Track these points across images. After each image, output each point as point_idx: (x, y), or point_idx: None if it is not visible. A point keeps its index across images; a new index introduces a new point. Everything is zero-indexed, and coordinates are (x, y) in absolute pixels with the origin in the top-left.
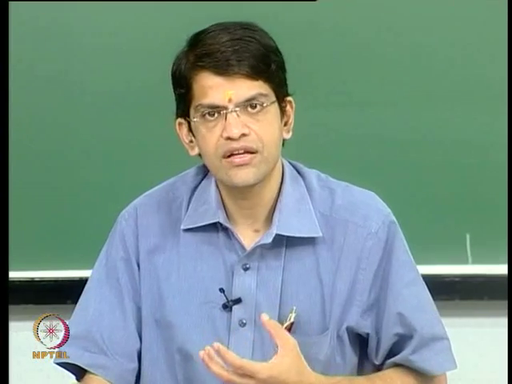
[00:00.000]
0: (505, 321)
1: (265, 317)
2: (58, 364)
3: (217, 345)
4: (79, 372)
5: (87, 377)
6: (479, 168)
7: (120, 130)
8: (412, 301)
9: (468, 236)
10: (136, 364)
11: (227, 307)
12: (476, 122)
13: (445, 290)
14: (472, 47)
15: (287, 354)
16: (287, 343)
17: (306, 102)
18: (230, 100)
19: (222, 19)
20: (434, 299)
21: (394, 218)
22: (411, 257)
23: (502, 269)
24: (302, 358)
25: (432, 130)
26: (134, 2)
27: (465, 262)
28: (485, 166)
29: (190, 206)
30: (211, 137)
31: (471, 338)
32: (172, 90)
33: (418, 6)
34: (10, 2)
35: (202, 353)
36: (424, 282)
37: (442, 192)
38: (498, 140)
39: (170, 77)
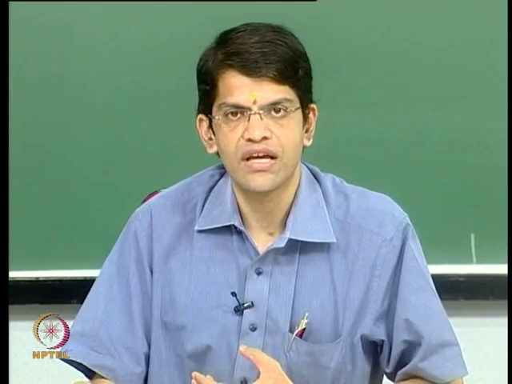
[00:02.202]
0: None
1: (242, 347)
2: (64, 361)
3: (194, 373)
4: (87, 371)
5: (97, 379)
6: (484, 168)
7: (124, 130)
8: (419, 308)
9: (473, 236)
10: (143, 368)
11: (239, 311)
12: (482, 122)
13: (449, 290)
14: (473, 47)
15: (269, 376)
16: (268, 366)
17: None
18: (254, 102)
19: (223, 19)
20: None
21: (408, 222)
22: (424, 262)
23: (506, 269)
24: (286, 378)
25: (437, 129)
26: (135, 2)
27: (469, 261)
28: (489, 166)
29: (205, 207)
30: (232, 137)
31: (476, 337)
32: (168, 90)
33: (420, 6)
34: (10, 2)
35: (193, 378)
36: (434, 288)
37: (447, 192)
38: (503, 140)
39: (196, 72)
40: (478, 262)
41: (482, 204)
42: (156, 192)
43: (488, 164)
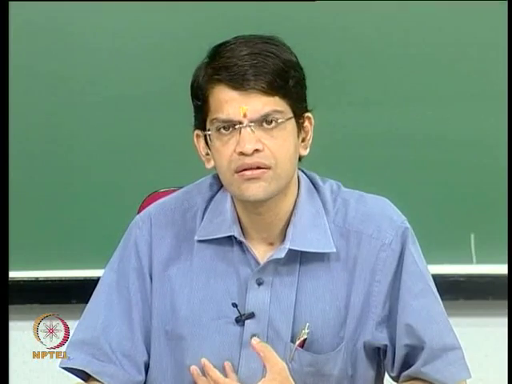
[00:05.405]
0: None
1: (254, 340)
2: (65, 369)
3: (203, 360)
4: (84, 376)
5: (93, 382)
6: (484, 168)
7: (124, 130)
8: (420, 312)
9: (472, 236)
10: (143, 377)
11: (240, 321)
12: (482, 122)
13: (449, 290)
14: (473, 47)
15: (275, 378)
16: (275, 366)
17: (309, 102)
18: (244, 115)
19: (224, 19)
20: None
21: (407, 225)
22: (424, 265)
23: (506, 269)
24: (292, 382)
25: (436, 129)
26: (135, 2)
27: (469, 261)
28: (490, 166)
29: (205, 216)
30: (225, 151)
31: (476, 337)
32: (169, 90)
33: (420, 6)
34: (10, 2)
35: (192, 367)
36: (436, 291)
37: (447, 192)
38: (503, 140)
39: (189, 87)
40: (478, 262)
41: (482, 204)
42: (156, 192)
43: (488, 164)
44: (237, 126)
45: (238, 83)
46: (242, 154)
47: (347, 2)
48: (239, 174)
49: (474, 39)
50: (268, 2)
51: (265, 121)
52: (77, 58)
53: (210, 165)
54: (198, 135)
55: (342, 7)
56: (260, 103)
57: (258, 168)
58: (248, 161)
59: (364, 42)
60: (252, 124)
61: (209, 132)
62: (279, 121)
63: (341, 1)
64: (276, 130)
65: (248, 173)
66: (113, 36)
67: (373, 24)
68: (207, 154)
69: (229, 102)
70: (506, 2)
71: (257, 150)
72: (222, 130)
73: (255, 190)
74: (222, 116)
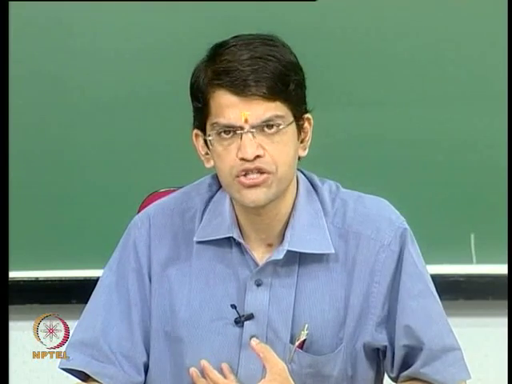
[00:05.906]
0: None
1: (254, 341)
2: (64, 369)
3: (203, 361)
4: (84, 377)
5: (92, 383)
6: (484, 168)
7: (124, 130)
8: (420, 313)
9: (472, 236)
10: (142, 377)
11: (239, 323)
12: (482, 122)
13: (449, 290)
14: (473, 47)
15: (275, 378)
16: (275, 367)
17: (309, 102)
18: (246, 120)
19: (224, 19)
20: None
21: (406, 226)
22: (423, 266)
23: (506, 269)
24: (292, 383)
25: (436, 129)
26: (135, 2)
27: (469, 261)
28: (490, 166)
29: (204, 217)
30: (226, 155)
31: (476, 337)
32: (168, 90)
33: (419, 6)
34: (10, 2)
35: (192, 369)
36: (435, 292)
37: (447, 192)
38: (503, 140)
39: (189, 88)
40: (478, 262)
41: (482, 204)
42: (156, 192)
43: (488, 164)
44: (238, 132)
45: (239, 89)
46: (243, 159)
47: (347, 2)
48: (239, 179)
49: (474, 40)
50: (268, 2)
51: (266, 126)
52: (77, 57)
53: (209, 164)
54: (196, 134)
55: (342, 7)
56: (261, 109)
57: (260, 172)
58: (249, 165)
59: (364, 42)
60: (253, 130)
61: (210, 137)
62: (281, 126)
63: (341, 1)
64: (277, 135)
65: (249, 181)
66: (113, 36)
67: (373, 24)
68: (206, 154)
69: (230, 107)
70: (506, 2)
71: (258, 156)
72: (223, 134)
73: (255, 196)
74: (223, 121)
